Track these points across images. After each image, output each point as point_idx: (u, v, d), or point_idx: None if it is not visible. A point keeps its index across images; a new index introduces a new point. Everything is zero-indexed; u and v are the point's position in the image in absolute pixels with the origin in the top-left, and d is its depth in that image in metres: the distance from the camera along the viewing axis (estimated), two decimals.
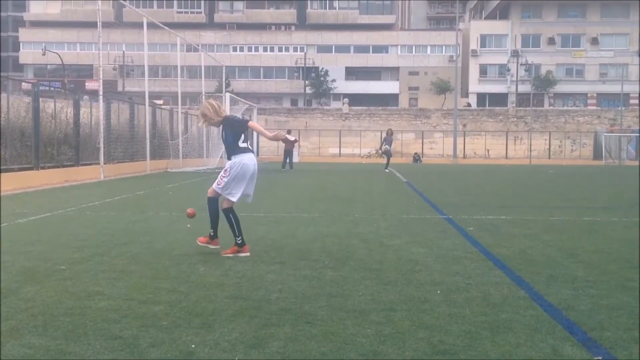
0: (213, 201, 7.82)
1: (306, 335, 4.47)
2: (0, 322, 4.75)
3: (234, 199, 7.73)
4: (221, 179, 7.69)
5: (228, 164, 7.72)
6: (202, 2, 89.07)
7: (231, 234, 7.75)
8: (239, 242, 7.67)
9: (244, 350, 4.15)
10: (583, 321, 4.89)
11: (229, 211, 7.73)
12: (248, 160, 7.68)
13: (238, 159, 7.63)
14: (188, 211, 8.39)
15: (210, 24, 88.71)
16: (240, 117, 7.78)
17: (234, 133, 7.66)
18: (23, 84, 26.32)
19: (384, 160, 35.56)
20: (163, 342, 4.30)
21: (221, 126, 7.76)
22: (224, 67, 49.21)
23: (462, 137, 61.35)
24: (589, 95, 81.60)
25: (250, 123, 7.83)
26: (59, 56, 70.26)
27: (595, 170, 40.05)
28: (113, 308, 5.17)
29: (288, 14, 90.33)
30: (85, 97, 26.85)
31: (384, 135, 33.54)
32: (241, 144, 7.68)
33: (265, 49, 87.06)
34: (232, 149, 7.68)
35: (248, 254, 7.62)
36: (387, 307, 5.27)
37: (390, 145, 32.11)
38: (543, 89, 79.71)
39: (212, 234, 7.86)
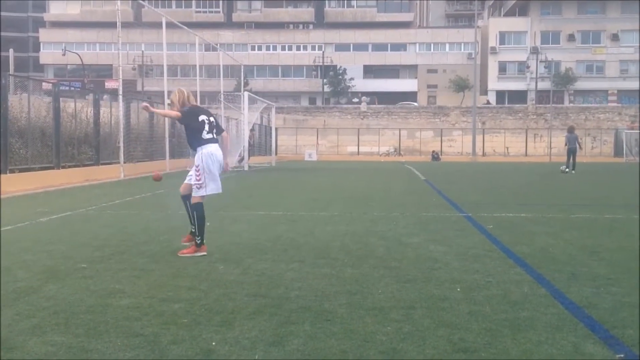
0: (199, 207, 7.62)
1: (326, 333, 4.47)
2: (0, 325, 4.80)
3: (215, 192, 7.64)
4: (197, 181, 7.57)
5: (195, 158, 7.65)
6: (221, 2, 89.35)
7: (195, 230, 7.65)
8: (199, 241, 7.57)
9: (264, 348, 4.16)
10: (605, 319, 4.85)
11: (199, 207, 7.61)
12: (214, 150, 7.63)
13: (204, 150, 7.57)
14: (155, 175, 8.26)
15: (229, 24, 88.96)
16: (193, 113, 7.65)
17: (192, 124, 7.60)
18: (43, 84, 26.56)
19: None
20: (183, 340, 4.32)
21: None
22: (242, 66, 49.30)
23: (481, 135, 61.05)
24: (609, 92, 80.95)
25: (177, 114, 7.54)
26: (79, 56, 70.76)
27: (615, 167, 39.73)
28: (134, 306, 5.20)
29: (306, 12, 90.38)
30: (105, 96, 27.03)
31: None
32: (206, 135, 7.61)
33: (283, 48, 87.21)
34: (195, 140, 7.61)
35: (205, 253, 7.53)
36: (407, 304, 5.26)
37: (573, 144, 28.97)
38: (563, 86, 79.14)
39: (198, 241, 7.60)
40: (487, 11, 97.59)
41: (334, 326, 4.64)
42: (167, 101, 30.01)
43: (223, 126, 8.24)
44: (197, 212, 7.56)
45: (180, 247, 7.98)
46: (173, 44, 53.78)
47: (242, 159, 34.98)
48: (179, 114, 7.61)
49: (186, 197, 7.77)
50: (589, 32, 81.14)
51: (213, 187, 7.62)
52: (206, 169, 7.55)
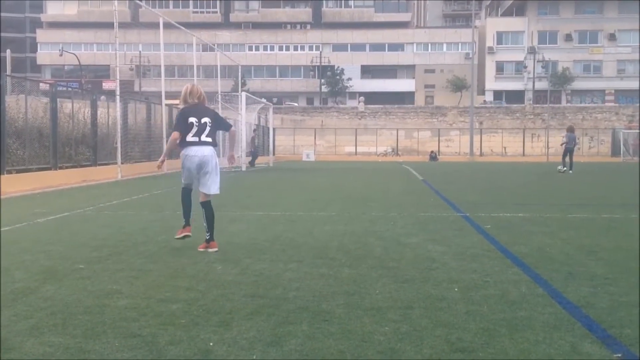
0: (183, 191, 8.14)
1: (324, 333, 4.47)
2: (0, 326, 4.79)
3: (183, 183, 8.06)
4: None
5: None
6: (218, 2, 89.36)
7: (206, 226, 7.99)
8: (207, 237, 7.93)
9: (262, 348, 4.16)
10: (602, 319, 4.86)
11: (203, 205, 7.98)
12: (192, 152, 7.83)
13: (184, 152, 7.89)
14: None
15: (226, 24, 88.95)
16: (182, 118, 7.90)
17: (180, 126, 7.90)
18: (41, 84, 26.50)
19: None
20: (181, 340, 4.32)
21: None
22: (239, 67, 49.30)
23: (478, 135, 61.13)
24: (606, 91, 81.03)
25: (173, 134, 7.90)
26: (76, 57, 70.71)
27: (613, 167, 39.77)
28: (131, 306, 5.19)
29: (303, 12, 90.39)
30: (102, 97, 27.00)
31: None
32: (190, 138, 7.82)
33: (280, 48, 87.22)
34: (182, 143, 7.89)
35: (216, 249, 7.82)
36: (404, 304, 5.26)
37: (571, 143, 28.99)
38: (560, 85, 79.20)
39: (188, 225, 8.10)
40: (485, 11, 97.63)
41: (331, 326, 4.64)
42: (164, 101, 30.07)
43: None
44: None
45: (180, 248, 7.99)
46: (170, 44, 53.80)
47: (252, 159, 35.58)
48: (174, 135, 7.92)
49: (203, 204, 8.01)
50: (586, 31, 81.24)
51: (188, 183, 8.06)
52: (183, 168, 7.94)
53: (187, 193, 8.11)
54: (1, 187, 15.80)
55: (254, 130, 41.65)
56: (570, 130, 29.80)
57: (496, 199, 16.10)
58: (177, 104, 8.29)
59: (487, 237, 9.05)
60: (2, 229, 9.62)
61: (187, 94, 7.98)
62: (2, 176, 16.67)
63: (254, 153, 37.14)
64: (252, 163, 36.21)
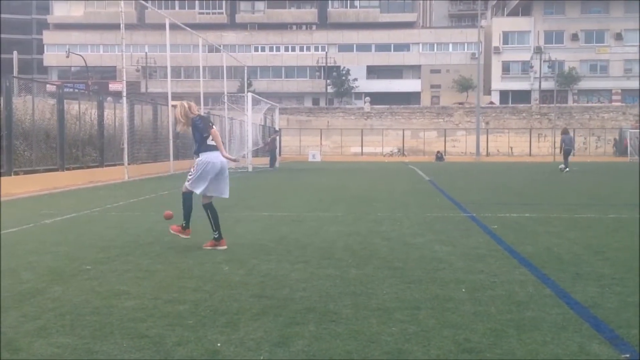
0: (186, 196, 8.24)
1: (331, 334, 4.48)
2: (0, 325, 4.81)
3: (197, 190, 8.06)
4: (189, 176, 8.17)
5: (196, 160, 8.15)
6: (224, 3, 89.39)
7: (210, 228, 8.18)
8: (216, 236, 8.10)
9: (269, 349, 4.17)
10: (610, 319, 4.85)
11: (207, 207, 8.18)
12: (214, 158, 8.04)
13: (204, 156, 8.03)
14: (165, 214, 8.79)
15: (232, 25, 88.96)
16: (206, 121, 8.21)
17: (200, 132, 8.05)
18: (48, 86, 26.55)
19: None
20: (189, 341, 4.33)
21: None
22: (245, 67, 49.33)
23: (485, 135, 61.00)
24: (613, 91, 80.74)
25: (212, 131, 8.04)
26: (83, 58, 70.83)
27: (620, 166, 39.64)
28: (139, 307, 5.20)
29: (309, 13, 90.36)
30: (109, 98, 27.06)
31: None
32: (210, 142, 8.06)
33: (286, 49, 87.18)
34: (199, 146, 8.07)
35: (225, 247, 8.04)
36: (411, 305, 5.26)
37: (569, 145, 29.54)
38: (567, 85, 78.98)
39: (184, 224, 8.26)
40: (490, 11, 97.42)
41: (338, 327, 4.64)
42: (170, 103, 30.10)
43: (227, 127, 8.69)
44: (183, 201, 8.26)
45: (186, 249, 8.00)
46: (176, 45, 53.88)
47: (273, 161, 36.14)
48: (215, 131, 8.08)
49: (208, 206, 8.24)
50: (592, 31, 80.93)
51: (199, 187, 8.07)
52: (201, 170, 8.03)
53: (190, 197, 8.24)
54: (6, 188, 15.84)
55: (276, 131, 42.18)
56: (565, 132, 30.15)
57: (503, 199, 16.08)
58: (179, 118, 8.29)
59: (494, 237, 9.03)
60: (9, 231, 9.65)
61: (187, 110, 8.13)
62: (10, 177, 16.72)
63: (272, 154, 37.70)
64: (271, 164, 36.72)
